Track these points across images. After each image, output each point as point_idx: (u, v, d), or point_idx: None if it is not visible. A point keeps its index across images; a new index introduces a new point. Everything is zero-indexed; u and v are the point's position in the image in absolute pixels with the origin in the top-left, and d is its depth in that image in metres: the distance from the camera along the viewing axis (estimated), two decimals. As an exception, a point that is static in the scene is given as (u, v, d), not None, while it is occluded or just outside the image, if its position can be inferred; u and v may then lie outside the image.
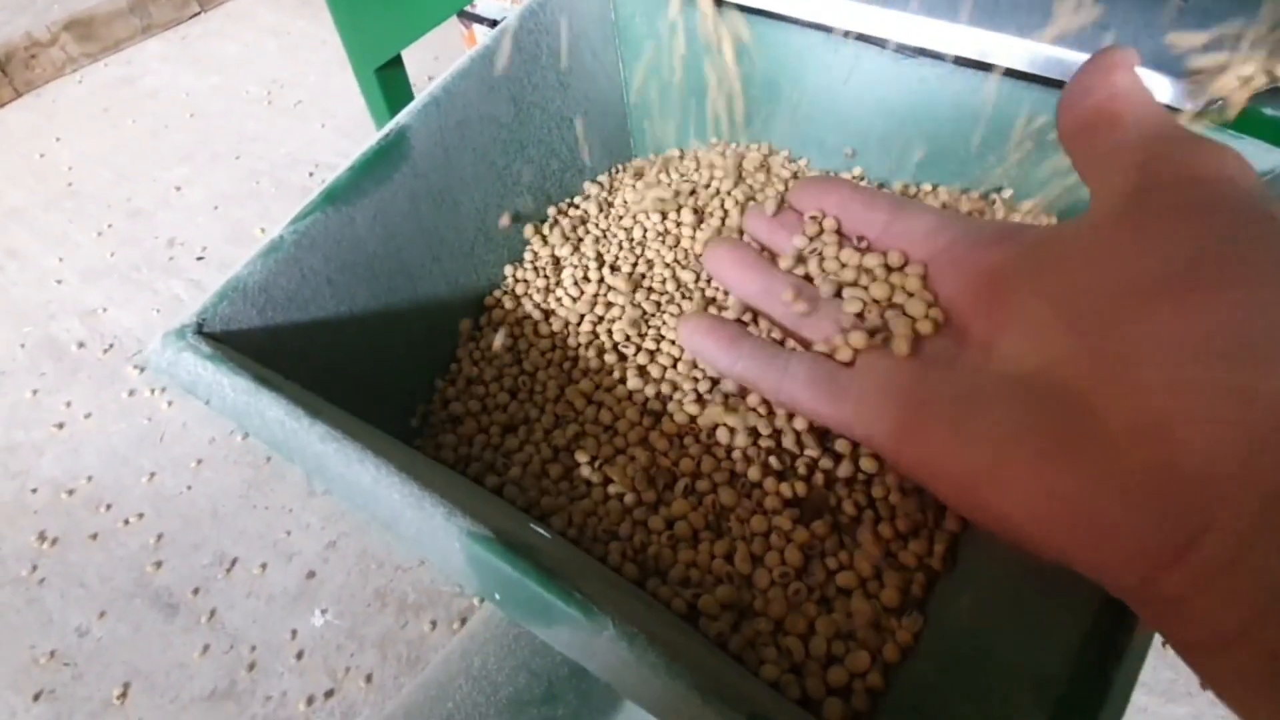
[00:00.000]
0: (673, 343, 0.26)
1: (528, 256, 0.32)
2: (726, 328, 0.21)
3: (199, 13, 1.31)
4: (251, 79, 1.14)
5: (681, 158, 0.34)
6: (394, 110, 0.44)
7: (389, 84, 0.70)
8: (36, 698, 0.54)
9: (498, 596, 0.17)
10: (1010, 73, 0.26)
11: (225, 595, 0.59)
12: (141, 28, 1.26)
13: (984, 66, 0.27)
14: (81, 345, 0.78)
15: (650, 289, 0.29)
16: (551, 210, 0.33)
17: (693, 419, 0.24)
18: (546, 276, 0.31)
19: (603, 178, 0.35)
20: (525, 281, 0.31)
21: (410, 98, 0.39)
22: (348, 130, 1.03)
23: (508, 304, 0.31)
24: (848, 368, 0.19)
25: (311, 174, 0.98)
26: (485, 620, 0.35)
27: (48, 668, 0.56)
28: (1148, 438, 0.12)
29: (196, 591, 0.59)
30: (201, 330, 0.23)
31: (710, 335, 0.21)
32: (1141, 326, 0.12)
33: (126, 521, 0.63)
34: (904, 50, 0.28)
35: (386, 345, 0.28)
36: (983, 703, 0.17)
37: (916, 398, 0.17)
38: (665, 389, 0.25)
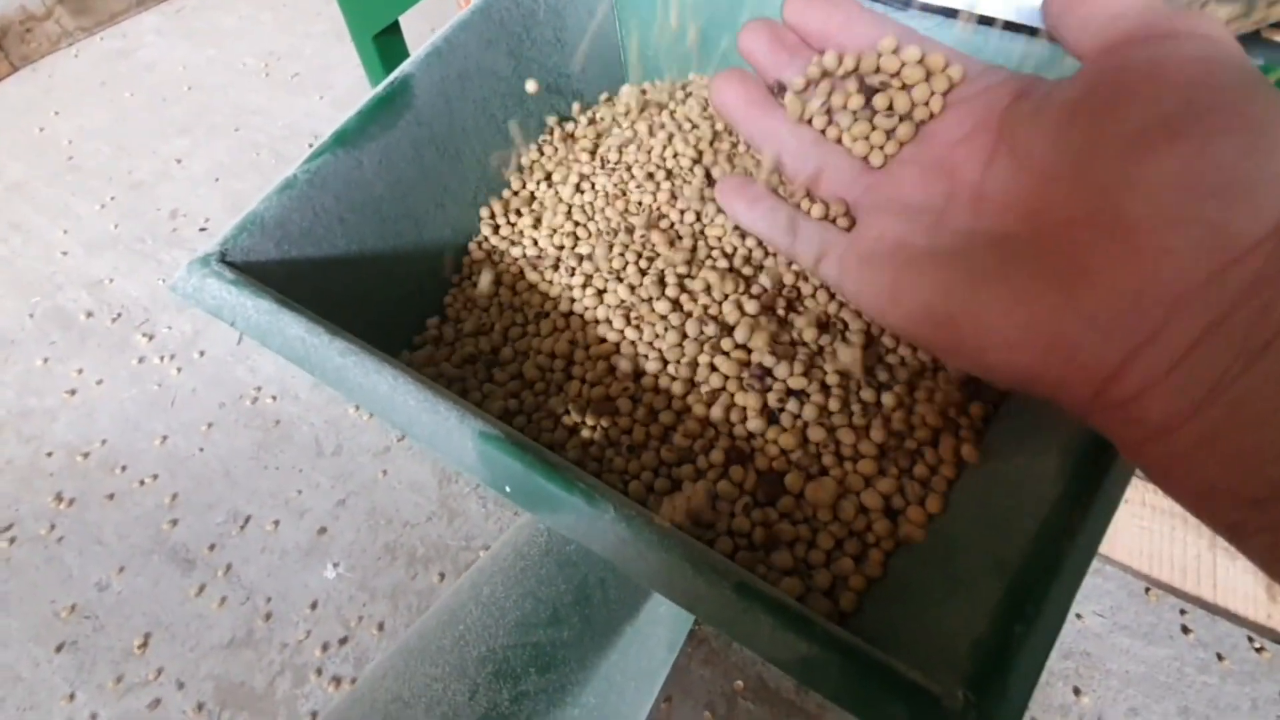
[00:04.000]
0: (643, 273, 0.27)
1: (506, 194, 0.33)
2: (751, 188, 0.23)
3: (193, -15, 1.30)
4: (248, 51, 1.14)
5: (672, 101, 0.35)
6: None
7: (387, 51, 0.70)
8: (59, 649, 0.56)
9: (508, 489, 0.19)
10: (1006, 25, 0.27)
11: (240, 551, 0.61)
12: (136, 1, 1.26)
13: (986, 21, 0.27)
14: (90, 315, 0.80)
15: (624, 221, 0.30)
16: (532, 147, 0.34)
17: (692, 382, 0.25)
18: (519, 214, 0.32)
19: (587, 116, 0.35)
20: (510, 223, 0.33)
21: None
22: (346, 102, 1.04)
23: (494, 242, 0.32)
24: (845, 233, 0.21)
25: (311, 145, 0.99)
26: (494, 555, 0.37)
27: (69, 620, 0.58)
28: (1124, 267, 0.13)
29: (212, 548, 0.61)
30: (224, 259, 0.24)
31: (737, 194, 0.24)
32: (1136, 168, 0.13)
33: (141, 482, 0.65)
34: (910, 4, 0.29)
35: (393, 284, 0.30)
36: (953, 587, 0.19)
37: (904, 254, 0.18)
38: (646, 336, 0.26)
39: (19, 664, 0.56)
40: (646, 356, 0.26)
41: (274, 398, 0.71)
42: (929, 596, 0.19)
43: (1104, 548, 0.59)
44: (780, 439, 0.23)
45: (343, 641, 0.55)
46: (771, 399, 0.24)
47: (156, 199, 0.92)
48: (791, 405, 0.23)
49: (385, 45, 0.66)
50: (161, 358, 0.75)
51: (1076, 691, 0.53)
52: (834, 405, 0.23)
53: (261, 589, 0.58)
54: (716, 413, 0.24)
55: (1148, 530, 0.59)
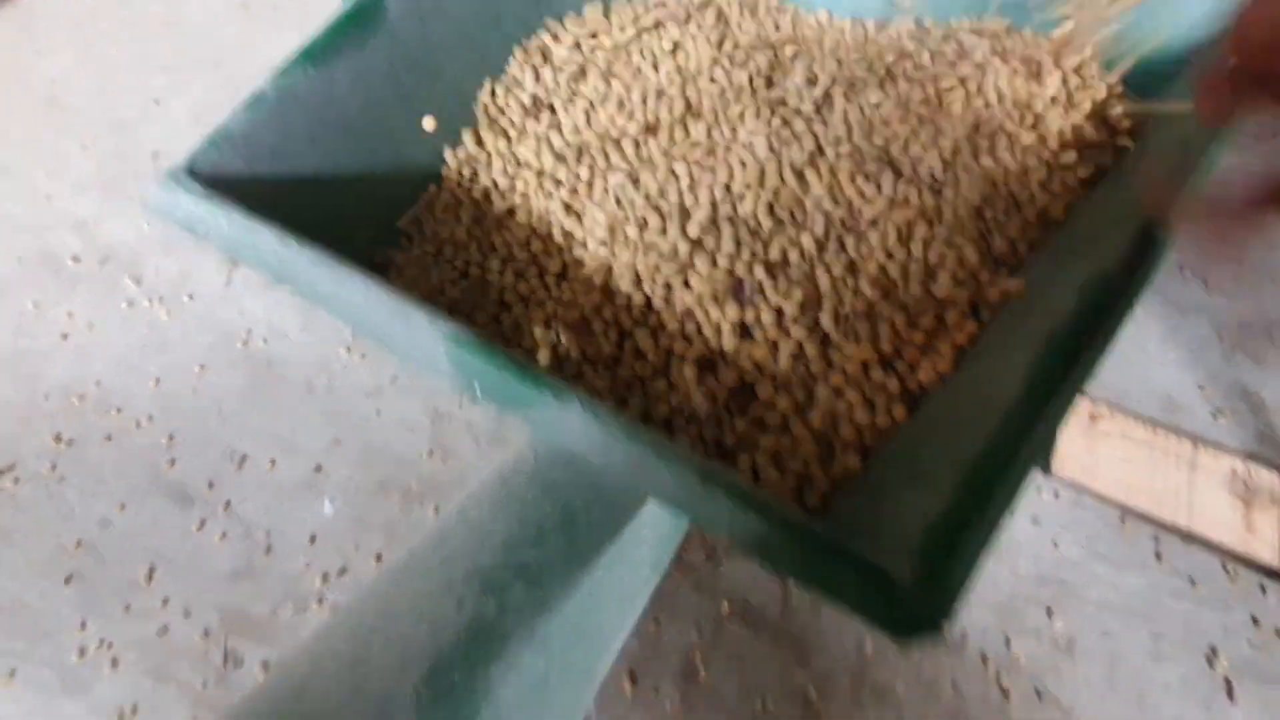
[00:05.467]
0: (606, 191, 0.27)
1: (487, 104, 0.33)
2: None
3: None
4: (225, -15, 1.09)
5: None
6: None
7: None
8: (67, 581, 0.58)
9: (477, 387, 0.19)
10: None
11: (238, 488, 0.62)
12: (105, -69, 1.20)
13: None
14: (77, 259, 0.79)
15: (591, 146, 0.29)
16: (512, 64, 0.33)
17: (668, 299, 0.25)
18: (503, 132, 0.32)
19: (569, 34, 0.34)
20: (481, 142, 0.32)
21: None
22: None
23: (472, 155, 0.32)
24: None
25: None
26: (481, 483, 0.38)
27: (75, 555, 0.60)
28: None
29: (210, 485, 0.62)
30: (192, 173, 0.24)
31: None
32: None
33: (138, 423, 0.66)
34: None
35: (366, 203, 0.30)
36: (913, 480, 0.19)
37: None
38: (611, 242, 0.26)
39: (28, 595, 0.58)
40: (623, 275, 0.26)
41: (264, 340, 0.71)
42: (891, 489, 0.19)
43: (1084, 478, 0.60)
44: (754, 351, 0.23)
45: (341, 572, 0.57)
46: (748, 315, 0.24)
47: (139, 139, 0.90)
48: (766, 317, 0.24)
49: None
50: (150, 300, 0.75)
51: (1050, 614, 0.55)
52: (807, 322, 0.23)
53: (260, 524, 0.60)
54: (690, 327, 0.24)
55: (1126, 461, 0.60)
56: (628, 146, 0.28)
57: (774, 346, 0.24)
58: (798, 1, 0.38)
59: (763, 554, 0.16)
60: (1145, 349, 0.71)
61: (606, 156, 0.29)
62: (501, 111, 0.34)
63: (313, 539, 0.59)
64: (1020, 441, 0.18)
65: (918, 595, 0.15)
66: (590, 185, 0.29)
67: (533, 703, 0.29)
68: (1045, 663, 0.53)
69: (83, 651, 0.55)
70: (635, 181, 0.27)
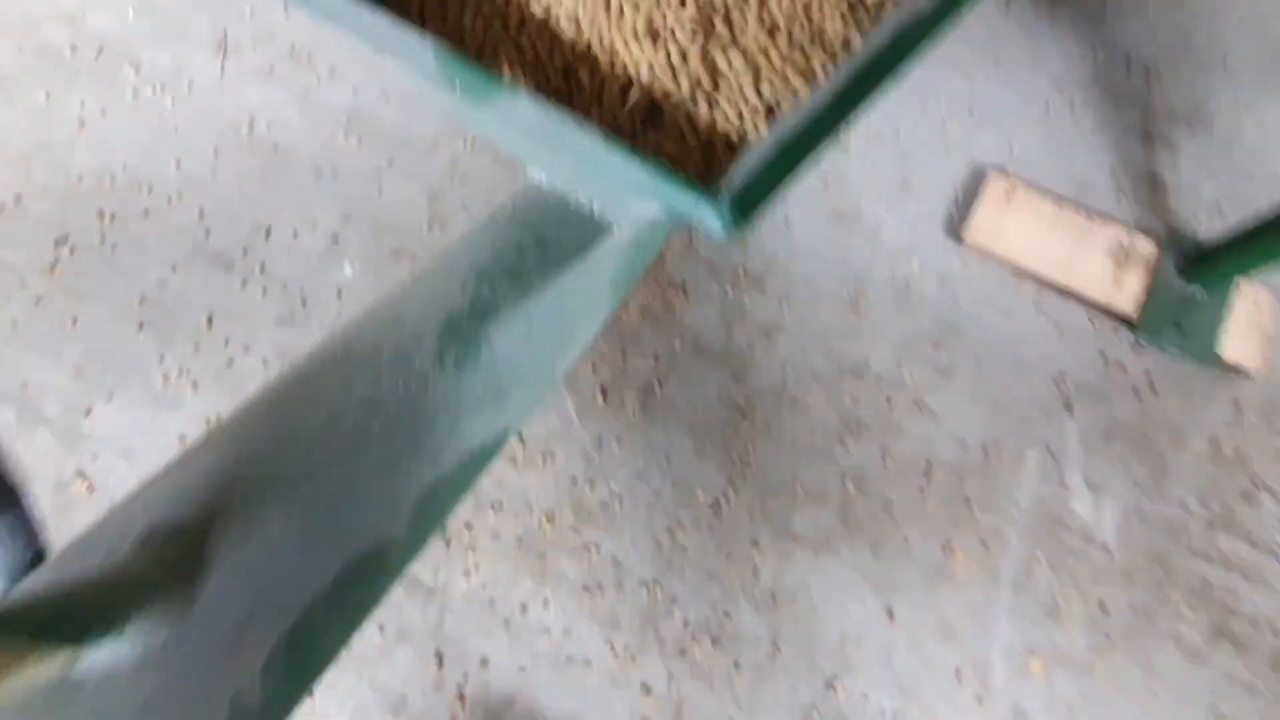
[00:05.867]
0: None
1: None
2: None
3: None
4: None
5: None
6: None
7: None
8: (140, 328, 0.71)
9: (456, 84, 0.28)
10: None
11: (268, 255, 0.72)
12: None
13: None
14: (74, 49, 0.82)
15: None
16: None
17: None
18: None
19: None
20: None
21: None
22: None
23: None
24: None
25: None
26: (475, 222, 0.48)
27: (141, 309, 0.72)
28: None
29: (245, 253, 0.72)
30: None
31: None
32: None
33: (169, 200, 0.75)
34: None
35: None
36: (752, 155, 0.29)
37: None
38: None
39: (110, 342, 0.71)
40: (568, 22, 0.34)
41: (267, 127, 0.77)
42: (741, 164, 0.29)
43: (991, 244, 0.71)
44: (664, 80, 0.32)
45: (366, 320, 0.70)
46: (659, 54, 0.32)
47: None
48: (674, 53, 0.32)
49: None
50: (153, 89, 0.79)
51: (936, 347, 0.69)
52: (706, 59, 0.32)
53: (293, 283, 0.71)
54: (618, 62, 0.32)
55: (1028, 231, 0.71)
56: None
57: (677, 77, 0.32)
58: None
59: (656, 195, 0.26)
60: (1074, 135, 0.78)
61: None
62: None
63: (339, 293, 0.71)
64: (823, 123, 0.27)
65: (733, 209, 0.25)
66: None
67: (519, 352, 0.42)
68: (926, 383, 0.68)
69: (166, 378, 0.69)
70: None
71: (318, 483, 0.30)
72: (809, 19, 0.33)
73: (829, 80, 0.30)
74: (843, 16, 0.34)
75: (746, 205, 0.26)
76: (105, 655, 0.23)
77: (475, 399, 0.39)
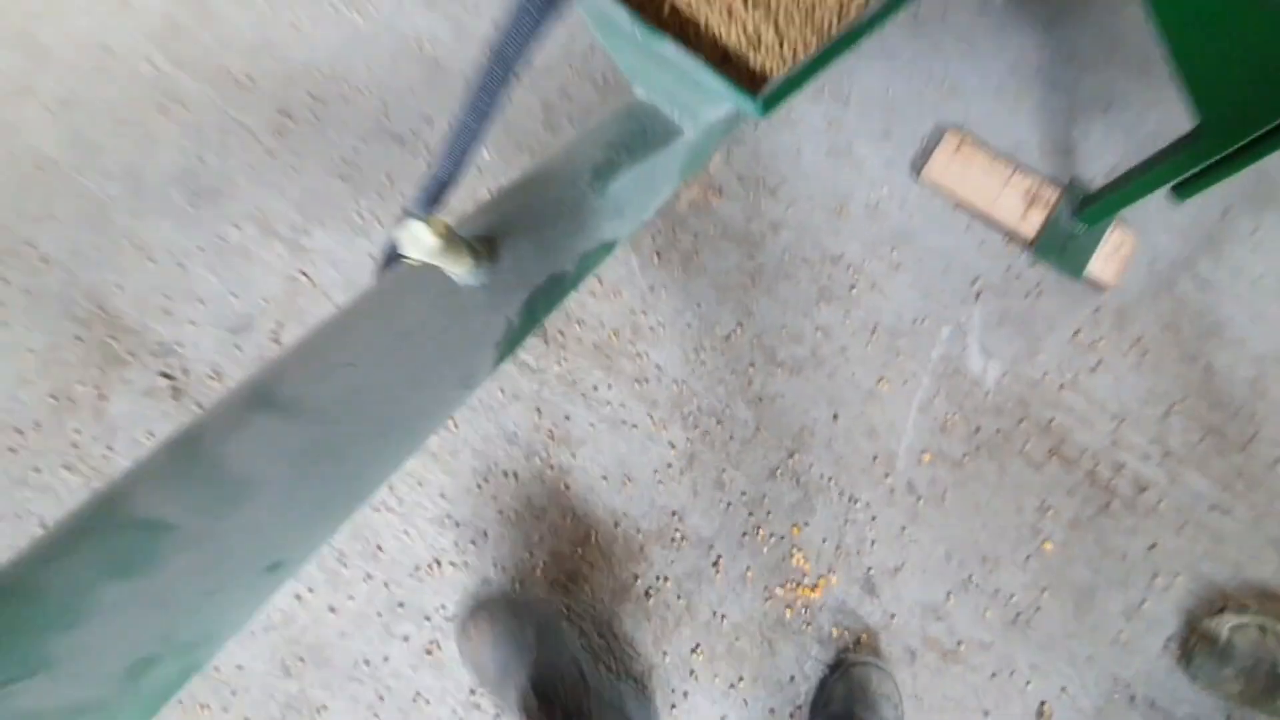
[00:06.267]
0: None
1: None
2: None
3: None
4: None
5: None
6: None
7: None
8: (341, 179, 1.01)
9: (632, 28, 0.57)
10: None
11: (430, 137, 1.02)
12: None
13: None
14: (284, -30, 1.10)
15: None
16: None
17: None
18: None
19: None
20: None
21: None
22: None
23: None
24: None
25: None
26: (587, 125, 0.77)
27: (341, 166, 1.01)
28: None
29: (413, 133, 1.02)
30: None
31: None
32: None
33: (359, 91, 1.04)
34: None
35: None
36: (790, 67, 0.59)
37: None
38: None
39: (320, 187, 1.01)
40: None
41: (431, 44, 1.06)
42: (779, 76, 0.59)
43: (940, 180, 0.99)
44: (731, 28, 0.61)
45: (498, 190, 0.99)
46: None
47: None
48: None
49: None
50: (348, 8, 1.08)
51: (891, 248, 0.99)
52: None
53: None
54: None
55: (968, 175, 0.99)
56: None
57: (740, 39, 0.62)
58: None
59: (725, 98, 0.55)
60: (1017, 109, 1.06)
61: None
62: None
63: (479, 171, 1.00)
64: (814, 64, 0.57)
65: (765, 104, 0.55)
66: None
67: (631, 190, 0.72)
68: (882, 273, 0.98)
69: (360, 216, 0.99)
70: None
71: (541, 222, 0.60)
72: (835, 6, 0.62)
73: (827, 34, 0.59)
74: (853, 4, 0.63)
75: (770, 103, 0.55)
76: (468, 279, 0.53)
77: (607, 212, 0.70)
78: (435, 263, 0.48)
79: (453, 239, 0.48)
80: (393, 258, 0.57)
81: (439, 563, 0.90)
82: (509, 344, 0.59)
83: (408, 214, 0.44)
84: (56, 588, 0.36)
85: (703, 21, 0.60)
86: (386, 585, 0.89)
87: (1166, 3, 0.65)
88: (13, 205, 1.01)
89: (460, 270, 0.51)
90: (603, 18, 0.58)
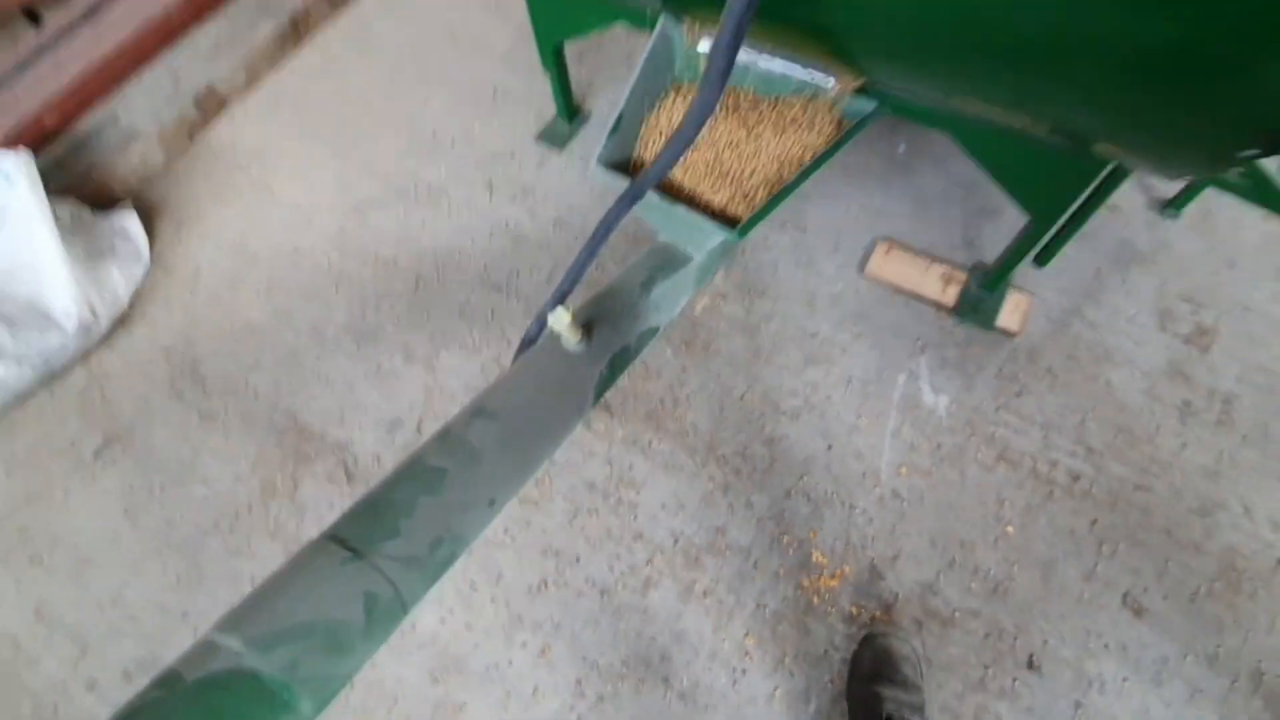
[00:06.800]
0: None
1: None
2: None
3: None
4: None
5: None
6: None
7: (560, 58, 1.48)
8: (460, 317, 1.44)
9: (653, 200, 1.00)
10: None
11: (518, 285, 1.46)
12: (359, -11, 1.98)
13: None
14: (415, 189, 1.63)
15: None
16: None
17: None
18: None
19: None
20: None
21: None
22: (512, 58, 1.79)
23: None
24: None
25: (493, 94, 1.76)
26: (638, 258, 1.20)
27: (459, 309, 1.45)
28: None
29: (507, 283, 1.47)
30: (600, 161, 1.06)
31: None
32: None
33: (469, 259, 1.51)
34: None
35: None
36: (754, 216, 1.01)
37: None
38: None
39: (445, 325, 1.44)
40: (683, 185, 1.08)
41: (515, 225, 1.54)
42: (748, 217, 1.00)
43: (879, 275, 1.40)
44: (714, 200, 1.05)
45: (568, 314, 1.42)
46: (719, 195, 1.06)
47: (419, 126, 1.72)
48: (721, 198, 1.05)
49: (558, 55, 1.43)
50: (457, 207, 1.58)
51: (852, 323, 1.36)
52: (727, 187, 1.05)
53: (533, 298, 1.44)
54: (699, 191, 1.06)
55: (899, 269, 1.40)
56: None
57: (722, 198, 1.06)
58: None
59: (714, 234, 0.97)
60: (929, 222, 1.48)
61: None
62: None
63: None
64: (768, 208, 0.99)
65: (740, 233, 0.96)
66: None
67: (666, 297, 1.12)
68: (848, 341, 1.35)
69: (474, 342, 1.41)
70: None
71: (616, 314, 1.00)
72: (776, 177, 1.06)
73: (774, 192, 1.02)
74: (787, 171, 1.06)
75: (743, 231, 0.96)
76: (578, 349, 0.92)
77: (651, 310, 1.09)
78: (562, 333, 0.87)
79: (574, 321, 0.87)
80: (526, 344, 0.96)
81: (545, 583, 1.20)
82: (600, 388, 0.96)
83: (555, 305, 0.84)
84: (401, 497, 0.71)
85: (699, 193, 1.05)
86: (507, 604, 1.19)
87: (978, 148, 1.08)
88: (233, 358, 1.45)
89: (573, 341, 0.90)
90: (644, 200, 1.01)
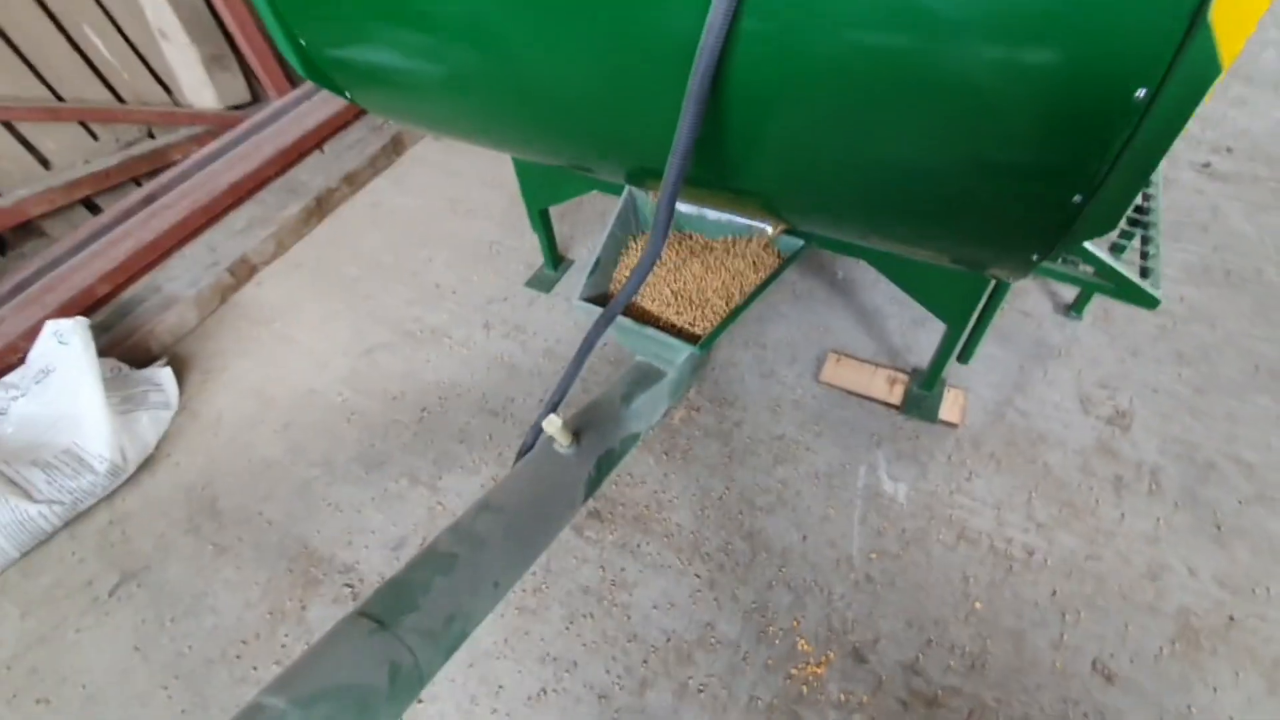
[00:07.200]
0: None
1: None
2: None
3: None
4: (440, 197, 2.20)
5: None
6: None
7: (545, 220, 1.77)
8: (460, 441, 1.59)
9: (627, 328, 1.20)
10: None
11: (513, 410, 1.63)
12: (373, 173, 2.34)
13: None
14: (420, 332, 1.84)
15: None
16: None
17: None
18: None
19: None
20: None
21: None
22: (505, 221, 2.09)
23: None
24: None
25: (490, 247, 2.05)
26: (618, 378, 1.39)
27: (459, 435, 1.60)
28: None
29: (503, 409, 1.63)
30: (583, 298, 1.28)
31: None
32: None
33: (469, 390, 1.68)
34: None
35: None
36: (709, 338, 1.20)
37: None
38: None
39: (443, 450, 1.58)
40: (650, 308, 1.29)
41: (509, 358, 1.74)
42: (709, 339, 1.20)
43: (833, 381, 1.58)
44: (676, 319, 1.26)
45: (559, 431, 1.57)
46: (682, 316, 1.27)
47: (423, 279, 1.97)
48: (684, 318, 1.27)
49: (544, 217, 1.71)
50: (456, 345, 1.79)
51: (813, 424, 1.53)
52: (687, 312, 1.26)
53: (525, 422, 1.60)
54: (656, 305, 1.27)
55: (850, 375, 1.59)
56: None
57: (685, 320, 1.26)
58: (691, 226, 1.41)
59: (680, 352, 1.16)
60: (870, 333, 1.70)
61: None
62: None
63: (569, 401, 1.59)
64: (724, 325, 1.19)
65: (701, 348, 1.15)
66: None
67: (645, 408, 1.28)
68: (810, 440, 1.50)
69: (473, 462, 1.54)
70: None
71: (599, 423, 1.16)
72: (729, 301, 1.27)
73: (728, 313, 1.22)
74: (743, 293, 1.27)
75: (705, 346, 1.15)
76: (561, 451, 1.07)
77: (632, 418, 1.25)
78: (555, 436, 1.02)
79: (564, 427, 1.03)
80: (523, 452, 1.11)
81: (545, 691, 1.24)
82: (590, 487, 1.10)
83: (548, 413, 1.00)
84: (419, 578, 0.83)
85: (666, 318, 1.26)
86: (509, 716, 1.22)
87: (891, 271, 1.31)
88: (248, 491, 1.56)
89: (564, 444, 1.06)
90: (619, 324, 1.22)
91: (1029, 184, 0.61)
